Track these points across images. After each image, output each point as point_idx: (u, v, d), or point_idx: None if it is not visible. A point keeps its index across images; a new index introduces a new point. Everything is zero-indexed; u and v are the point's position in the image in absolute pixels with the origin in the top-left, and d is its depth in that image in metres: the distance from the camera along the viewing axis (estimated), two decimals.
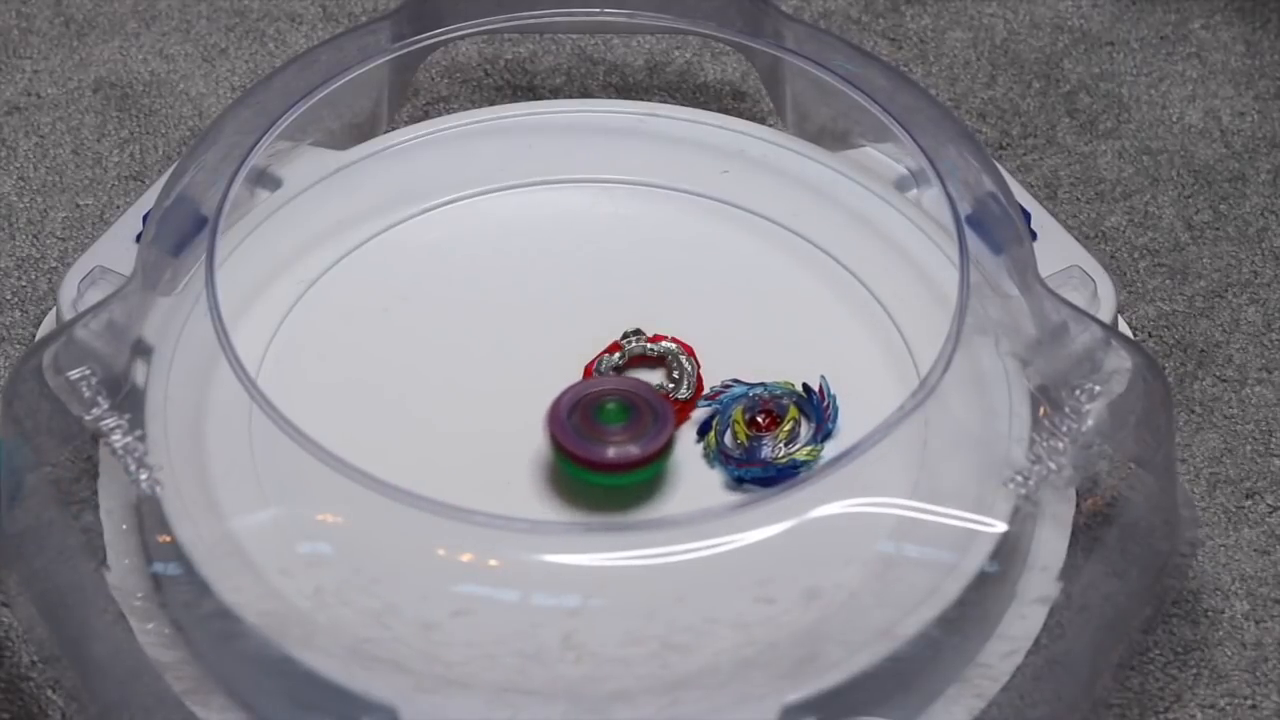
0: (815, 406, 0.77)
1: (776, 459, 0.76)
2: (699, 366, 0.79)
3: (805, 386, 0.77)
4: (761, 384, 0.77)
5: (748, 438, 0.76)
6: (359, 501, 0.71)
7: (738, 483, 0.75)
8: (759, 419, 0.77)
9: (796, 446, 0.76)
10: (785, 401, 0.77)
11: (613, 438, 0.74)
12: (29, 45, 1.01)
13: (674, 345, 0.79)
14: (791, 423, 0.77)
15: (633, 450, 0.74)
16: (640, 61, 1.01)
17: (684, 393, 0.78)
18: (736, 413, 0.76)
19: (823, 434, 0.76)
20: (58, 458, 0.74)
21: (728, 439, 0.76)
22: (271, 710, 0.70)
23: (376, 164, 0.86)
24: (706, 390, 0.78)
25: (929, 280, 0.81)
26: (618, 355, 0.79)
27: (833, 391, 0.77)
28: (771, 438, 0.76)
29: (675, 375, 0.78)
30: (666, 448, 0.74)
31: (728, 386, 0.78)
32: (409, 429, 0.76)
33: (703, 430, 0.77)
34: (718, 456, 0.76)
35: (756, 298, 0.81)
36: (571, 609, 0.71)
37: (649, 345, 0.79)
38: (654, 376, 0.79)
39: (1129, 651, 0.75)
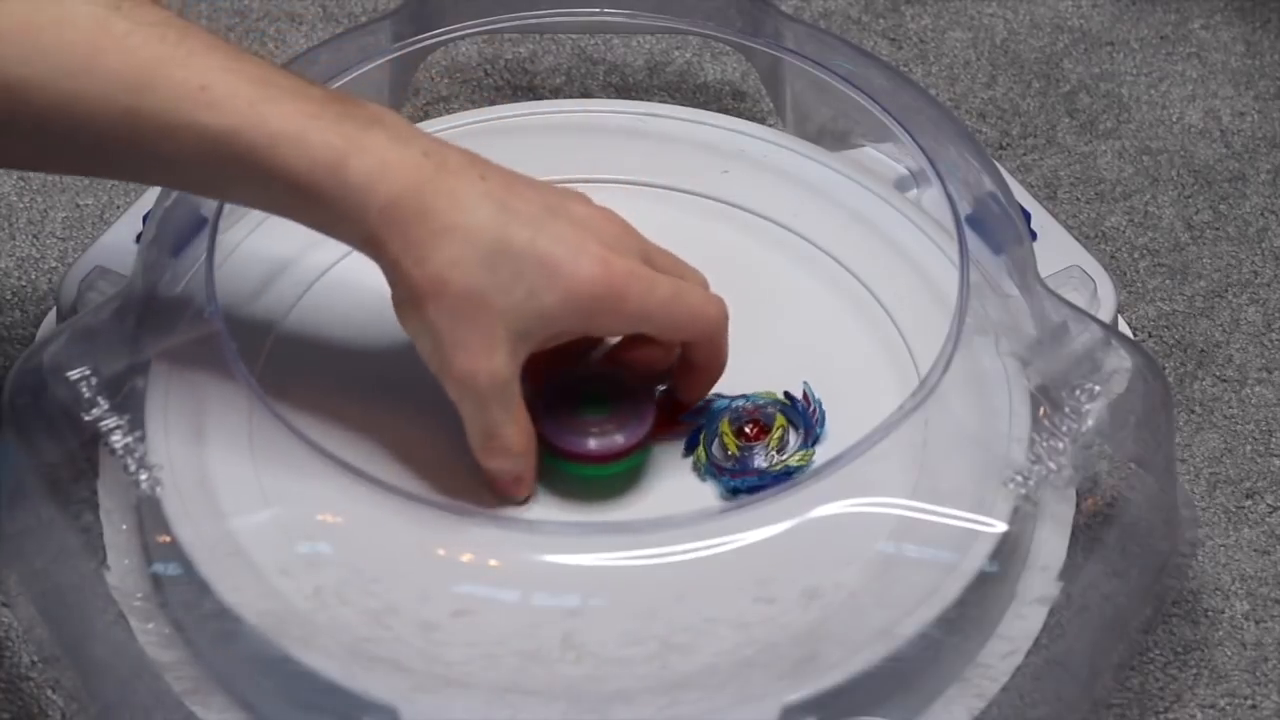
0: (801, 413, 0.77)
1: (771, 467, 0.75)
2: None
3: (787, 394, 0.77)
4: (743, 395, 0.77)
5: (739, 448, 0.76)
6: (359, 502, 0.71)
7: (733, 494, 0.75)
8: (746, 429, 0.77)
9: (788, 453, 0.76)
10: (770, 410, 0.77)
11: (593, 428, 0.74)
12: None
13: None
14: (780, 430, 0.76)
15: (617, 440, 0.74)
16: (640, 61, 1.01)
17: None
18: (723, 425, 0.76)
19: (812, 438, 0.76)
20: (58, 458, 0.74)
21: (717, 451, 0.76)
22: (271, 710, 0.70)
23: None
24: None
25: (929, 280, 0.81)
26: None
27: (817, 395, 0.77)
28: (763, 447, 0.76)
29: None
30: (647, 439, 0.74)
31: (709, 402, 0.77)
32: (409, 429, 0.76)
33: (690, 446, 0.76)
34: (710, 470, 0.75)
35: (756, 297, 0.81)
36: (571, 609, 0.71)
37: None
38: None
39: (1129, 651, 0.75)
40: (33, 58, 0.68)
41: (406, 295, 0.70)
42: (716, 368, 0.75)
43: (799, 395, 0.77)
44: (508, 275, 0.69)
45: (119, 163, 0.71)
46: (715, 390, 0.77)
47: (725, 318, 0.73)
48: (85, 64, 0.68)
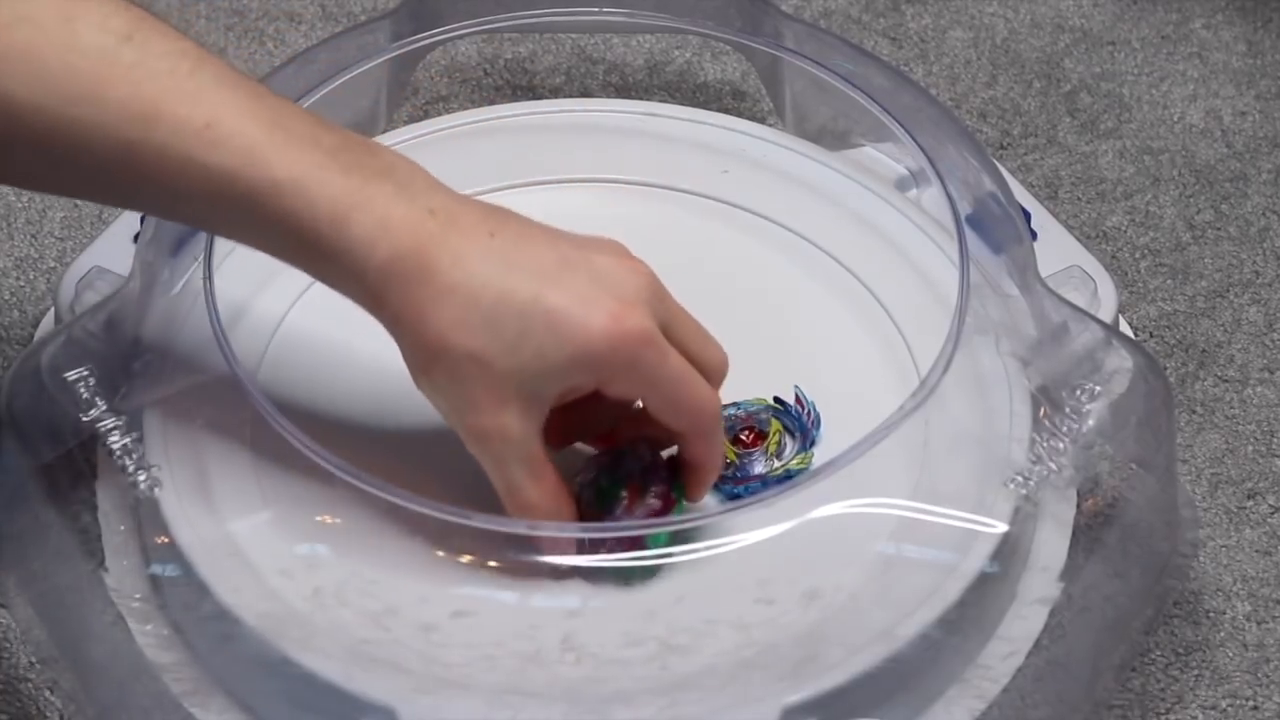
0: (795, 416, 0.77)
1: (771, 472, 0.75)
2: None
3: (777, 399, 0.77)
4: (733, 404, 0.77)
5: (737, 455, 0.76)
6: (358, 503, 0.71)
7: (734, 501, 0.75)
8: (742, 436, 0.76)
9: (786, 457, 0.76)
10: (764, 416, 0.76)
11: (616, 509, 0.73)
12: None
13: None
14: (777, 435, 0.76)
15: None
16: (640, 61, 1.01)
17: None
18: None
19: (809, 441, 0.76)
20: (56, 459, 0.74)
21: None
22: (270, 711, 0.70)
23: None
24: None
25: (929, 280, 0.81)
26: None
27: (810, 398, 0.77)
28: (761, 452, 0.76)
29: None
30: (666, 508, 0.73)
31: None
32: (408, 431, 0.76)
33: None
34: None
35: (756, 298, 0.81)
36: (571, 610, 0.70)
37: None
38: None
39: (1130, 652, 0.75)
40: (35, 81, 0.66)
41: (412, 358, 0.68)
42: (709, 467, 0.72)
43: (790, 399, 0.77)
44: (513, 334, 0.67)
45: (119, 193, 0.70)
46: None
47: (717, 417, 0.71)
48: (89, 92, 0.67)
